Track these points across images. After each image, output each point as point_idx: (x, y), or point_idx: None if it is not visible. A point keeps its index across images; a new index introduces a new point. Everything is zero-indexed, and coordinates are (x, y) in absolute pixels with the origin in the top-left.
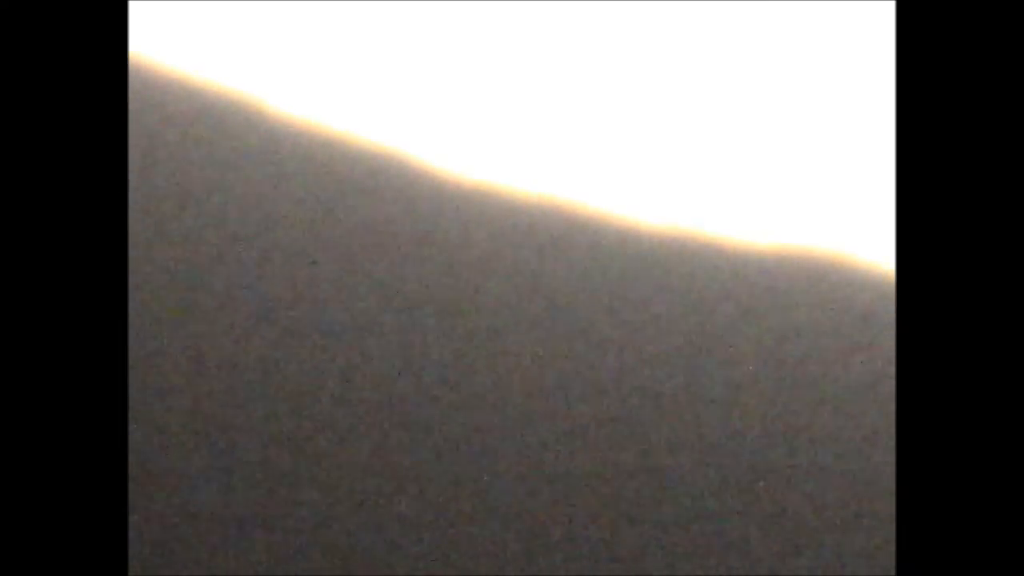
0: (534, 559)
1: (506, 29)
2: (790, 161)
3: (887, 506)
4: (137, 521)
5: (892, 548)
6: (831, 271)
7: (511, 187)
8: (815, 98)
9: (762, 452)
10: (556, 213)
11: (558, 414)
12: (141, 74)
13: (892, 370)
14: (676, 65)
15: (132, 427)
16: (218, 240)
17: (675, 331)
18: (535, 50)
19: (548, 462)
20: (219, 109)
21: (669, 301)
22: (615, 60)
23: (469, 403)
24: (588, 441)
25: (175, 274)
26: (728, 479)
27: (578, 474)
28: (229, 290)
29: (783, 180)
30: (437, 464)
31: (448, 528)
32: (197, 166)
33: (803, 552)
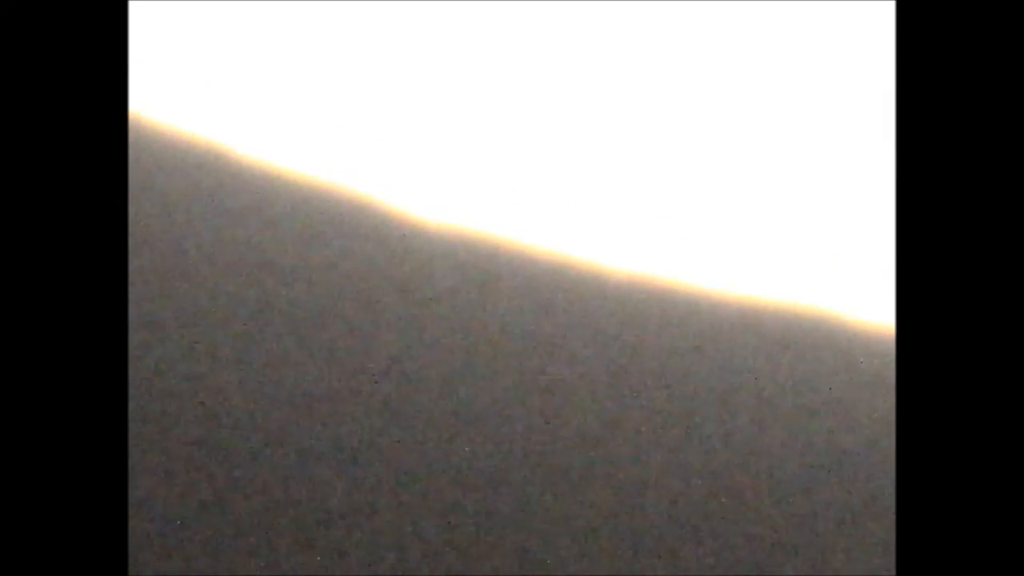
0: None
1: (478, 77)
2: (775, 218)
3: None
4: (137, 521)
5: (892, 549)
6: (813, 325)
7: (482, 233)
8: (799, 154)
9: (752, 469)
10: (530, 260)
11: (528, 453)
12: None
13: (874, 405)
14: (654, 116)
15: (132, 428)
16: (193, 278)
17: (648, 373)
18: (510, 98)
19: (534, 504)
20: (193, 156)
21: (642, 347)
22: (592, 109)
23: (443, 439)
24: (568, 467)
25: (150, 309)
26: (717, 491)
27: (573, 490)
28: (201, 327)
29: (766, 235)
30: (405, 502)
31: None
32: (170, 212)
33: (803, 552)
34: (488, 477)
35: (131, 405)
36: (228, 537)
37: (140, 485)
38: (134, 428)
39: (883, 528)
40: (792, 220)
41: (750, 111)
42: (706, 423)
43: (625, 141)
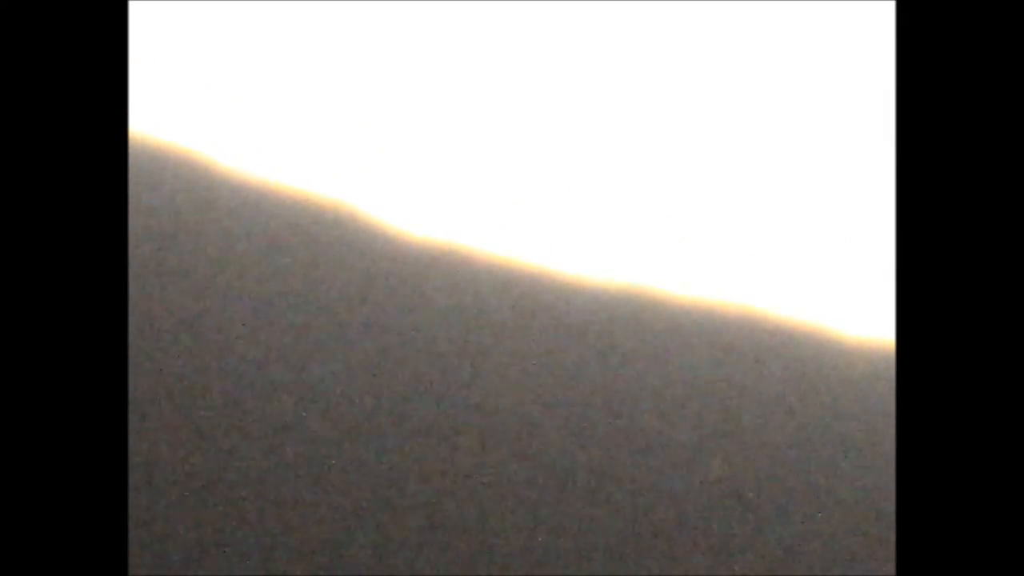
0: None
1: (467, 85)
2: (767, 227)
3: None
4: (137, 521)
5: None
6: (806, 338)
7: (466, 245)
8: (792, 160)
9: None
10: (516, 272)
11: (511, 467)
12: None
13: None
14: (644, 124)
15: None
16: (178, 296)
17: (624, 384)
18: (491, 109)
19: (531, 508)
20: (174, 167)
21: (617, 357)
22: (583, 115)
23: (421, 455)
24: (561, 473)
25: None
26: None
27: (565, 495)
28: (180, 344)
29: (760, 245)
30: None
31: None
32: (153, 226)
33: (803, 552)
34: (479, 486)
35: (127, 407)
36: (228, 539)
37: (139, 485)
38: (132, 433)
39: (882, 542)
40: (784, 229)
41: (741, 115)
42: (701, 435)
43: (614, 147)
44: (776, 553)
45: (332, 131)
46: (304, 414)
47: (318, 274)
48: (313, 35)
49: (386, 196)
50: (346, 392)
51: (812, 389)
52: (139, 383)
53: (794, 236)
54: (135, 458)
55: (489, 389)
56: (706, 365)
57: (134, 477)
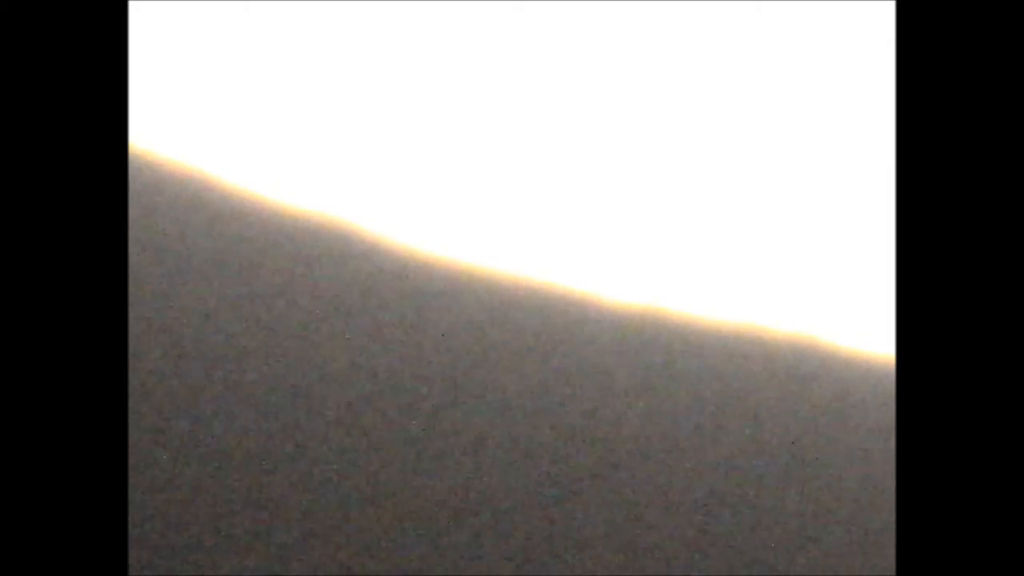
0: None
1: (470, 102)
2: (765, 240)
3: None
4: (137, 519)
5: (892, 549)
6: (807, 353)
7: (474, 263)
8: (791, 171)
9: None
10: (522, 289)
11: (519, 484)
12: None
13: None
14: (637, 140)
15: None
16: (176, 311)
17: (636, 404)
18: (502, 126)
19: (530, 534)
20: (178, 183)
21: (630, 377)
22: (578, 134)
23: (430, 475)
24: (570, 493)
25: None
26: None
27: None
28: (181, 355)
29: (749, 260)
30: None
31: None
32: (154, 242)
33: (803, 552)
34: (484, 501)
35: (127, 416)
36: (227, 540)
37: (139, 486)
38: (132, 445)
39: (881, 555)
40: (782, 243)
41: (736, 126)
42: (704, 451)
43: (620, 163)
44: (775, 565)
45: (335, 145)
46: (306, 424)
47: (320, 290)
48: (316, 48)
49: (391, 212)
50: (349, 406)
51: (814, 403)
52: (138, 395)
53: (794, 251)
54: (135, 460)
55: (495, 406)
56: (710, 380)
57: (134, 479)
